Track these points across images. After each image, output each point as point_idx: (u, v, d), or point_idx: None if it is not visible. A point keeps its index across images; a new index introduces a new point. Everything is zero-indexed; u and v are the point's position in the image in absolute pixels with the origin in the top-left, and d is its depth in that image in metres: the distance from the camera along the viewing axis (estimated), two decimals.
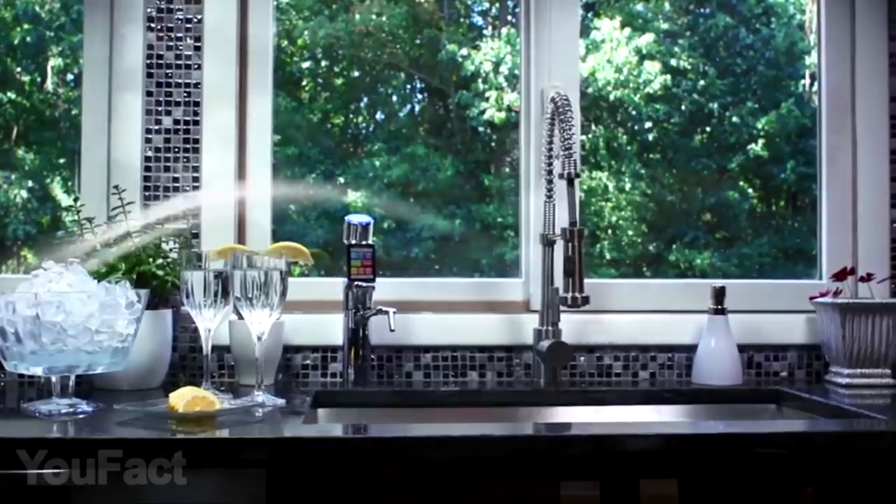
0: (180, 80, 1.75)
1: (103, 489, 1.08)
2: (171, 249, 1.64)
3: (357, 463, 1.14)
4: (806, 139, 2.32)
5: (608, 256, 2.47)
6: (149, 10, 1.75)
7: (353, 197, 2.20)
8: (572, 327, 1.73)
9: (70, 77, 2.26)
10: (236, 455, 1.12)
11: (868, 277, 1.76)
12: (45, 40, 2.23)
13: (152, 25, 1.75)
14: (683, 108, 2.58)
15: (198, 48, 1.75)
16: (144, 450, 1.09)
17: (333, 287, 1.71)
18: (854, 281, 1.79)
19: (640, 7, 2.64)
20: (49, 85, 2.30)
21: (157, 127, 1.75)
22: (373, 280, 1.65)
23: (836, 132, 1.91)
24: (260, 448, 1.12)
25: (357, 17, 2.39)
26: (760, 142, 2.51)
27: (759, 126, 2.51)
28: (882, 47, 1.88)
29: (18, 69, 2.28)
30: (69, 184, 2.16)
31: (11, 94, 2.28)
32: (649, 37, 2.56)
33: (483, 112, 2.39)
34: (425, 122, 2.52)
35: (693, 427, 1.39)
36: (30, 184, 2.27)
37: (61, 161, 2.25)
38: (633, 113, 2.56)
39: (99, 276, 1.46)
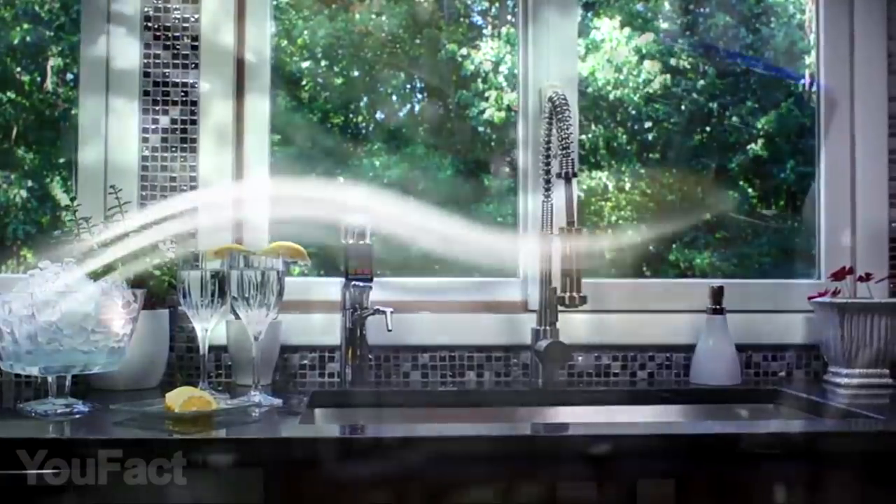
0: (177, 80, 1.75)
1: (103, 489, 1.08)
2: (167, 249, 1.64)
3: (354, 463, 1.14)
4: (806, 139, 2.31)
5: (608, 256, 2.46)
6: (146, 9, 1.75)
7: (353, 197, 2.19)
8: (570, 327, 1.73)
9: (70, 77, 2.26)
10: (233, 455, 1.11)
11: (867, 277, 1.76)
12: (44, 40, 2.23)
13: (149, 24, 1.75)
14: (683, 107, 2.58)
15: (195, 47, 1.75)
16: (144, 450, 1.09)
17: (331, 287, 1.71)
18: (853, 281, 1.79)
19: (639, 7, 2.64)
20: (49, 85, 2.30)
21: (153, 126, 1.75)
22: (370, 280, 1.64)
23: (834, 132, 1.91)
24: (256, 448, 1.12)
25: (357, 17, 2.39)
26: (760, 141, 2.50)
27: (759, 126, 2.51)
28: (881, 46, 1.88)
29: (18, 69, 2.28)
30: (68, 183, 2.16)
31: (11, 94, 2.28)
32: (649, 36, 2.56)
33: (483, 112, 2.39)
34: (425, 122, 2.52)
35: (691, 427, 1.38)
36: (29, 184, 2.27)
37: (61, 161, 2.25)
38: (633, 113, 2.56)
39: (95, 275, 1.46)
